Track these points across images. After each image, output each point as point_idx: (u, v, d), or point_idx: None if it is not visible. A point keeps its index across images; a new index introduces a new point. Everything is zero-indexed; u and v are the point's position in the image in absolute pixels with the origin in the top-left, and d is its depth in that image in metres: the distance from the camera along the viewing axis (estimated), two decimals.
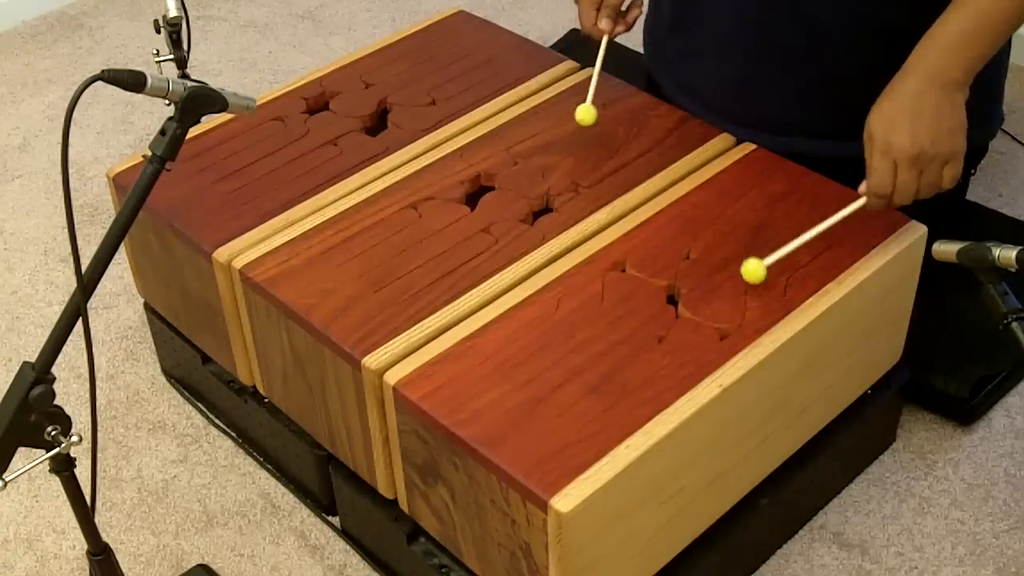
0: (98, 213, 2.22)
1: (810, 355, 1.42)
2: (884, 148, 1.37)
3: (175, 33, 1.73)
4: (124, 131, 2.43)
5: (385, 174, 1.62)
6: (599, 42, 1.65)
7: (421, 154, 1.65)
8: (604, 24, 1.62)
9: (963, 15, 1.36)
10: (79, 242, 1.13)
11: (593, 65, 1.66)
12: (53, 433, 1.12)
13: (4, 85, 2.60)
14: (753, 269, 1.40)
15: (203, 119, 1.16)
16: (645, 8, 1.88)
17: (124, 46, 2.71)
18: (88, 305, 1.10)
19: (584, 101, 1.62)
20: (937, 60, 1.37)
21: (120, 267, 2.01)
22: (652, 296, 1.41)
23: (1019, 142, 2.25)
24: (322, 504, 1.66)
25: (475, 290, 1.43)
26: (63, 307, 1.11)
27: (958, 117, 1.38)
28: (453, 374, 1.32)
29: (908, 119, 1.36)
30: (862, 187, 1.42)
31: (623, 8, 1.66)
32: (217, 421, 1.80)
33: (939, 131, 1.36)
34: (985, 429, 1.74)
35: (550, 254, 1.48)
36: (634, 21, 1.67)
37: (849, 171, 1.48)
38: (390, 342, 1.37)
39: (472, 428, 1.26)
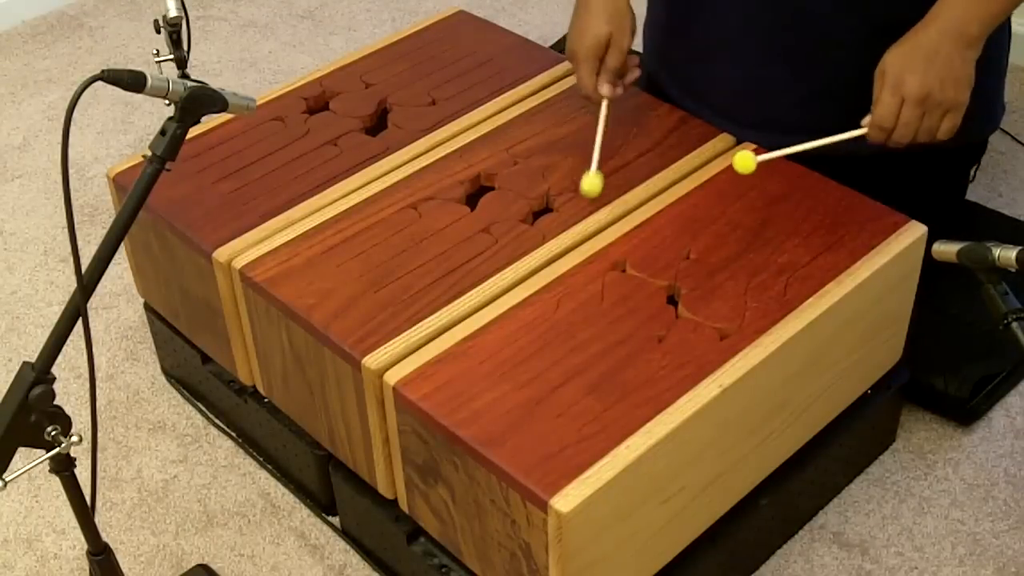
0: (98, 213, 2.22)
1: (810, 355, 1.42)
2: (895, 83, 1.42)
3: (175, 33, 1.73)
4: (124, 131, 2.43)
5: (385, 174, 1.62)
6: (598, 105, 1.61)
7: (421, 154, 1.65)
8: (605, 90, 1.59)
9: None
10: (79, 242, 1.13)
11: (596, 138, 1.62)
12: (53, 433, 1.12)
13: (4, 85, 2.60)
14: (744, 160, 1.45)
15: (203, 119, 1.16)
16: (645, 12, 1.89)
17: (124, 46, 2.71)
18: (88, 305, 1.10)
19: (589, 169, 1.55)
20: (954, 14, 1.42)
21: (120, 267, 2.01)
22: (652, 296, 1.41)
23: (1019, 142, 2.25)
24: (322, 504, 1.66)
25: (475, 290, 1.43)
26: (63, 307, 1.11)
27: (967, 71, 1.43)
28: (453, 374, 1.32)
29: (922, 61, 1.41)
30: (865, 119, 1.46)
31: (622, 73, 1.63)
32: (217, 421, 1.80)
33: (948, 79, 1.41)
34: (985, 429, 1.74)
35: (550, 254, 1.48)
36: (632, 83, 1.65)
37: (855, 169, 1.48)
38: (390, 342, 1.37)
39: (472, 428, 1.26)
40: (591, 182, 1.54)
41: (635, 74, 1.64)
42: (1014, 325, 1.21)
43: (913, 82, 1.41)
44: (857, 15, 1.58)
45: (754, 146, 1.63)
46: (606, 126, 1.59)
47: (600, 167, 1.55)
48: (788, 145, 1.62)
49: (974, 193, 2.02)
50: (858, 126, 1.47)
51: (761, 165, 1.57)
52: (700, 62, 1.74)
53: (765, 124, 1.67)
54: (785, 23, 1.61)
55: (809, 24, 1.60)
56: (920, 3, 1.47)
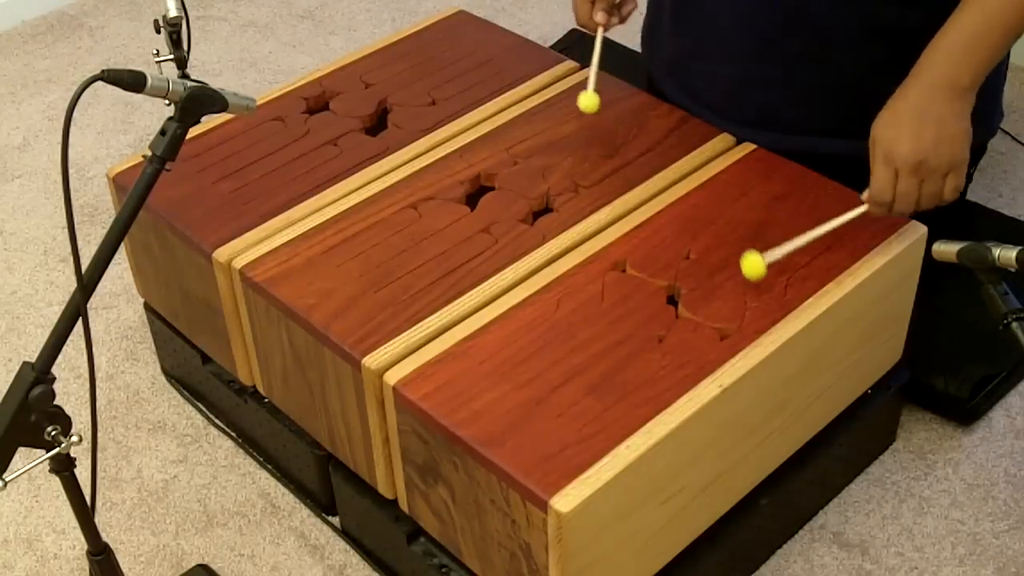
0: (98, 213, 2.22)
1: (810, 355, 1.42)
2: (886, 156, 1.37)
3: (175, 33, 1.73)
4: (124, 131, 2.43)
5: (385, 174, 1.62)
6: (594, 36, 1.66)
7: (421, 154, 1.65)
8: (599, 17, 1.64)
9: (968, 21, 1.36)
10: (79, 242, 1.13)
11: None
12: (53, 433, 1.12)
13: (4, 85, 2.60)
14: (753, 264, 1.39)
15: (203, 119, 1.16)
16: (644, 9, 1.89)
17: (124, 46, 2.71)
18: (88, 305, 1.10)
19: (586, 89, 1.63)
20: (942, 66, 1.37)
21: (120, 267, 2.01)
22: (652, 296, 1.41)
23: (1019, 142, 2.25)
24: (322, 504, 1.66)
25: (475, 290, 1.43)
26: (63, 307, 1.11)
27: (962, 125, 1.38)
28: (453, 374, 1.32)
29: (911, 128, 1.36)
30: (864, 194, 1.42)
31: (618, 1, 1.66)
32: (217, 421, 1.80)
33: (941, 140, 1.36)
34: (985, 429, 1.74)
35: (550, 254, 1.48)
36: (628, 15, 1.68)
37: (852, 169, 1.48)
38: (390, 342, 1.37)
39: (472, 428, 1.26)
40: (588, 99, 1.62)
41: (630, 5, 1.67)
42: (1014, 325, 1.21)
43: (904, 151, 1.35)
44: (854, 15, 1.58)
45: (750, 146, 1.63)
46: (601, 55, 1.65)
47: (596, 88, 1.63)
48: (783, 142, 1.62)
49: (974, 193, 2.02)
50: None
51: (761, 169, 1.58)
52: (698, 60, 1.74)
53: (762, 123, 1.67)
54: (781, 22, 1.61)
55: (805, 23, 1.60)
56: (918, 6, 1.46)
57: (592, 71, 1.64)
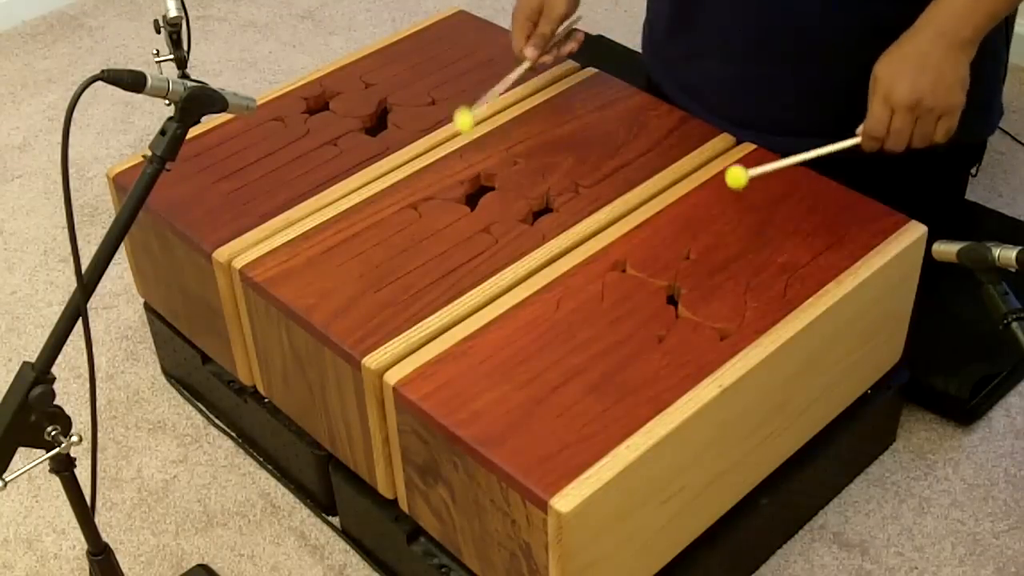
0: (98, 213, 2.22)
1: (810, 355, 1.42)
2: (885, 93, 1.42)
3: (175, 33, 1.74)
4: (124, 131, 2.43)
5: (385, 174, 1.62)
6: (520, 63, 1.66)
7: (421, 154, 1.65)
8: (528, 52, 1.66)
9: None
10: (79, 242, 1.12)
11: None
12: (53, 433, 1.12)
13: (4, 85, 2.60)
14: (736, 175, 1.46)
15: (203, 119, 1.16)
16: (644, 10, 1.89)
17: (124, 46, 2.71)
18: (88, 305, 1.10)
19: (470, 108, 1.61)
20: (947, 18, 1.42)
21: (120, 267, 2.01)
22: (652, 296, 1.41)
23: (1019, 142, 2.25)
24: (322, 504, 1.66)
25: (475, 290, 1.43)
26: (63, 307, 1.11)
27: (960, 74, 1.43)
28: (453, 374, 1.32)
29: (912, 69, 1.41)
30: (860, 128, 1.47)
31: (558, 40, 1.68)
32: (217, 421, 1.80)
33: (939, 84, 1.41)
34: (985, 429, 1.74)
35: (550, 254, 1.48)
36: (568, 54, 1.70)
37: (855, 169, 1.48)
38: (390, 342, 1.37)
39: (472, 428, 1.26)
40: (462, 117, 1.58)
41: (570, 47, 1.69)
42: (1014, 325, 1.21)
43: (902, 90, 1.41)
44: (849, 17, 1.58)
45: (751, 146, 1.63)
46: (512, 84, 1.65)
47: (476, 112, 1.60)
48: (780, 144, 1.62)
49: (974, 193, 2.02)
50: (852, 133, 1.47)
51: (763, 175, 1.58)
52: (695, 60, 1.74)
53: (758, 124, 1.67)
54: (775, 24, 1.61)
55: (799, 25, 1.60)
56: (912, 7, 1.47)
57: (489, 95, 1.62)
